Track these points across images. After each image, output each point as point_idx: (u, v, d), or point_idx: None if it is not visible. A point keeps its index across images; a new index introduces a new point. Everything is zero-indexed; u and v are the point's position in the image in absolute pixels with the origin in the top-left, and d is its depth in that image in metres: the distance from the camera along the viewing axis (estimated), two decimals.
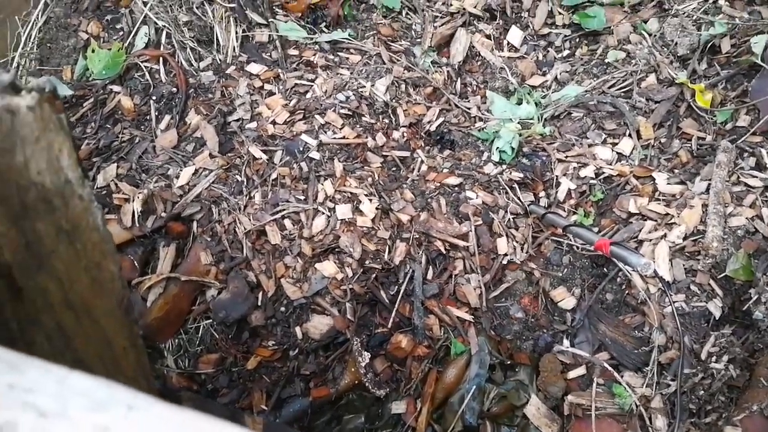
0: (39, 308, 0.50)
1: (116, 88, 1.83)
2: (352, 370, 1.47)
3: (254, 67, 1.83)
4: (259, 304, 1.49)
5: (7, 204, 0.45)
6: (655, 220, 1.49)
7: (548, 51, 2.07)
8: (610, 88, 1.84)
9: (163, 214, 1.55)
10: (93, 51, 1.89)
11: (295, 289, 1.48)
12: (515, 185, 1.65)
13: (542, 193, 1.64)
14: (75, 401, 0.29)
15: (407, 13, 2.15)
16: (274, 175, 1.59)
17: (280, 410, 1.47)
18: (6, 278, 0.46)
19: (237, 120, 1.69)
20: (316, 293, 1.48)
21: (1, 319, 0.48)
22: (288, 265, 1.50)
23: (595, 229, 1.55)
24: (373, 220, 1.55)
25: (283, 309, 1.49)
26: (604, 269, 1.49)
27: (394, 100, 1.82)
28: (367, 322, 1.51)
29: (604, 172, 1.62)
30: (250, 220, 1.53)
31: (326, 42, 1.96)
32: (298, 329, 1.48)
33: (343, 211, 1.55)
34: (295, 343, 1.48)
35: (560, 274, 1.53)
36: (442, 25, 2.12)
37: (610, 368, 1.35)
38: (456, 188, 1.66)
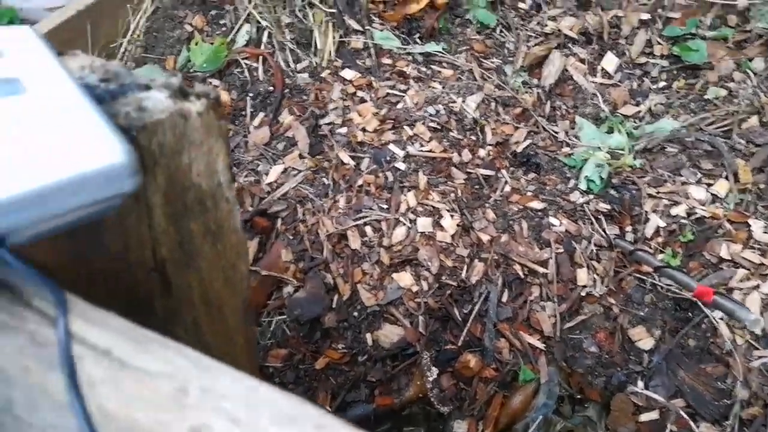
0: (182, 303, 0.52)
1: (215, 81, 1.89)
2: (418, 383, 1.48)
3: (348, 73, 1.86)
4: (334, 306, 1.51)
5: (171, 204, 0.48)
6: (749, 269, 1.43)
7: (643, 81, 2.02)
8: (708, 125, 1.78)
9: (250, 209, 1.59)
10: (196, 44, 1.96)
11: (370, 296, 1.50)
12: (601, 216, 1.62)
13: (629, 228, 1.61)
14: (265, 412, 0.30)
15: (501, 31, 2.15)
16: (359, 182, 1.61)
17: (343, 412, 1.48)
18: (161, 273, 0.49)
19: (328, 124, 1.73)
20: (390, 302, 1.49)
21: (151, 311, 0.50)
22: (365, 271, 1.52)
23: (684, 271, 1.51)
24: (452, 237, 1.55)
25: (356, 314, 1.51)
26: (689, 313, 1.45)
27: (482, 118, 1.82)
28: (437, 338, 1.51)
29: (696, 213, 1.58)
30: (332, 223, 1.56)
31: (419, 54, 1.98)
32: (368, 336, 1.50)
33: (424, 224, 1.55)
34: (365, 349, 1.50)
35: (641, 313, 1.49)
36: (536, 45, 2.10)
37: (686, 416, 1.31)
38: (539, 213, 1.64)
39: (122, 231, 0.47)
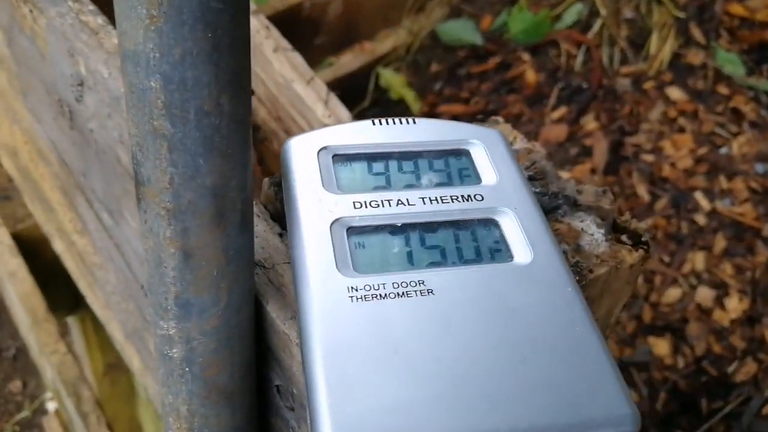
0: None
1: (526, 56, 1.80)
2: None
3: (675, 92, 1.66)
4: None
5: None
6: None
7: None
8: None
9: None
10: (520, 10, 1.87)
11: (614, 347, 1.38)
12: None
13: None
14: None
15: None
16: (648, 222, 1.45)
17: None
18: None
19: (635, 145, 1.56)
20: (635, 363, 1.36)
21: None
22: (620, 320, 1.39)
23: None
24: (732, 322, 1.35)
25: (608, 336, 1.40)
26: None
27: None
28: (671, 420, 1.36)
29: None
30: None
31: (765, 92, 1.69)
32: None
33: (705, 295, 1.37)
34: None
35: None
36: None
37: None
38: None
39: None
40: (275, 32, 0.82)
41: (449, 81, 1.87)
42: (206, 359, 0.33)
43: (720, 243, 1.42)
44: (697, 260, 1.40)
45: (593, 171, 1.53)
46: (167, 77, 0.25)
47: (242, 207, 0.30)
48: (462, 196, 0.34)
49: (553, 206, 0.43)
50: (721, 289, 1.38)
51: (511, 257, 0.32)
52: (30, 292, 1.33)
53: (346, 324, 0.27)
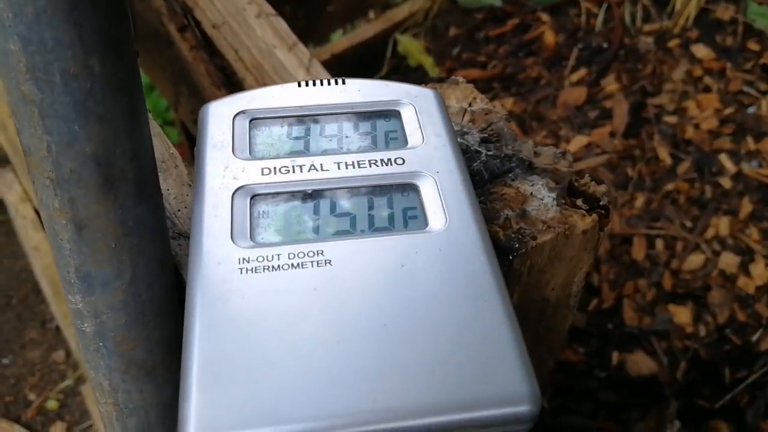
0: None
1: (545, 17, 1.73)
2: (651, 425, 1.32)
3: (701, 50, 1.57)
4: (590, 308, 1.38)
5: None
6: None
7: None
8: None
9: None
10: None
11: (634, 316, 1.34)
12: None
13: None
14: None
15: None
16: (669, 186, 1.39)
17: (558, 415, 1.40)
18: None
19: (657, 106, 1.50)
20: (654, 332, 1.32)
21: None
22: (639, 288, 1.35)
23: None
24: (757, 289, 1.29)
25: (610, 326, 1.37)
26: None
27: None
28: (692, 390, 1.32)
29: None
30: (620, 221, 1.39)
31: None
32: (615, 354, 1.36)
33: (728, 261, 1.31)
34: (606, 365, 1.37)
35: None
36: None
37: None
38: None
39: None
40: None
41: (467, 45, 1.82)
42: (118, 334, 0.32)
43: (746, 207, 1.36)
44: (722, 225, 1.35)
45: (613, 134, 1.48)
46: (24, 38, 0.24)
47: (136, 176, 0.29)
48: (382, 161, 0.32)
49: (504, 170, 0.41)
50: (747, 255, 1.32)
51: (426, 224, 0.30)
52: (52, 264, 1.37)
53: (230, 296, 0.26)
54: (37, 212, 1.39)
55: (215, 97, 0.99)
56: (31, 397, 1.47)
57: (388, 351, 0.24)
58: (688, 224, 1.36)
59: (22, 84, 0.25)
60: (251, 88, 0.90)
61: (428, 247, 0.28)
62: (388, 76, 1.85)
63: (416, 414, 0.23)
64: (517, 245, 0.35)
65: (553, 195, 0.39)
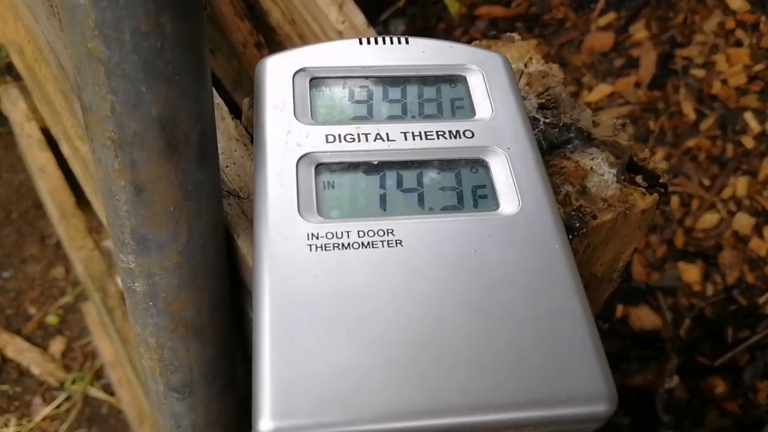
0: None
1: None
2: (650, 377, 1.35)
3: (736, 1, 1.51)
4: None
5: None
6: None
7: None
8: None
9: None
10: None
11: (642, 271, 1.34)
12: None
13: None
14: None
15: None
16: (690, 143, 1.37)
17: None
18: None
19: (685, 58, 1.45)
20: (661, 288, 1.33)
21: None
22: (650, 243, 1.35)
23: None
24: None
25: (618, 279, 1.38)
26: None
27: None
28: (693, 347, 1.34)
29: None
30: None
31: None
32: (620, 307, 1.37)
33: (743, 222, 1.31)
34: (609, 317, 1.39)
35: None
36: None
37: None
38: None
39: None
40: None
41: None
42: (169, 295, 0.31)
43: (766, 168, 1.34)
44: (739, 185, 1.33)
45: (638, 84, 1.44)
46: None
47: (198, 139, 0.27)
48: (450, 132, 0.30)
49: (563, 140, 0.39)
50: (762, 217, 1.31)
51: (497, 205, 0.29)
52: (59, 186, 1.35)
53: (301, 276, 0.25)
54: (43, 131, 1.36)
55: (237, 29, 0.95)
56: (32, 311, 1.50)
57: (467, 343, 0.24)
58: (706, 182, 1.35)
59: (89, 41, 0.23)
60: (277, 22, 0.86)
61: (501, 231, 0.27)
62: (405, 10, 1.78)
63: (493, 409, 0.23)
64: (578, 224, 0.34)
65: (614, 171, 0.37)
